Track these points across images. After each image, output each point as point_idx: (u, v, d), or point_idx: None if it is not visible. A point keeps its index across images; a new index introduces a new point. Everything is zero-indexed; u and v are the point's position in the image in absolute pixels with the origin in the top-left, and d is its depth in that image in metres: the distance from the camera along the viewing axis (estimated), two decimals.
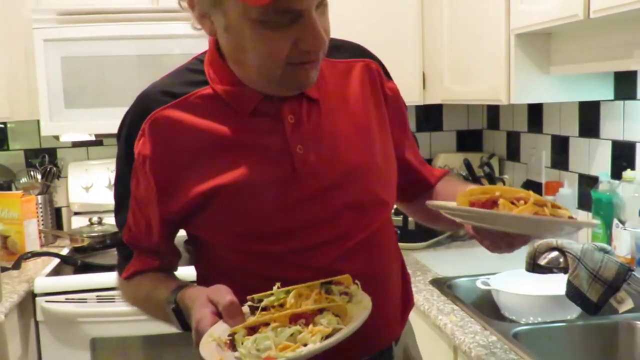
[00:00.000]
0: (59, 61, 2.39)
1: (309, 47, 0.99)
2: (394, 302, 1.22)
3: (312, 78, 1.05)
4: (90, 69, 2.42)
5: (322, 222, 1.10)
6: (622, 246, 1.89)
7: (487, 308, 1.75)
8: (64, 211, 2.89)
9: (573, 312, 1.63)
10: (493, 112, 2.97)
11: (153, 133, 1.07)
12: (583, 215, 2.19)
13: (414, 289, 1.86)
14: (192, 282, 1.12)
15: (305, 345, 0.89)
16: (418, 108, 2.97)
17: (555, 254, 1.43)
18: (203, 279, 1.17)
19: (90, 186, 2.75)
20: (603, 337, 1.54)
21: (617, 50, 1.61)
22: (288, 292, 0.97)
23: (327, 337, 0.89)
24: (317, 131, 1.11)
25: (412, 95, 2.55)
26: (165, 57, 2.38)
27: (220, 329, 0.94)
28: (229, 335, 0.93)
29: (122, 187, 1.13)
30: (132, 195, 1.11)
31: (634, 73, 1.93)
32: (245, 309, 0.99)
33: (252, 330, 0.93)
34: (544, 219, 0.99)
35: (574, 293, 1.41)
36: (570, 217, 1.03)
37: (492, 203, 1.02)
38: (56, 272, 2.31)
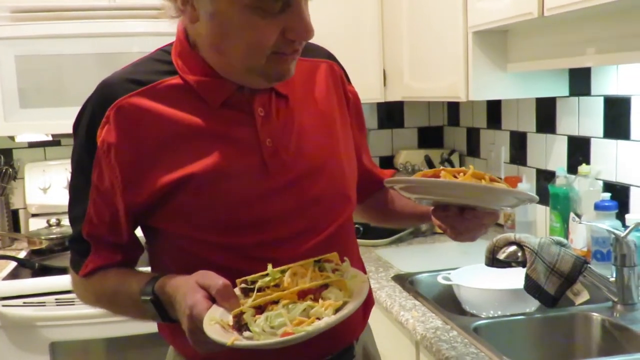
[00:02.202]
0: (13, 60, 2.32)
1: (296, 36, 1.00)
2: None
3: (292, 70, 1.06)
4: (46, 67, 2.36)
5: (290, 215, 1.10)
6: (578, 239, 1.93)
7: (448, 303, 1.78)
8: (21, 213, 2.82)
9: (532, 305, 1.65)
10: (453, 109, 3.01)
11: (119, 120, 1.04)
12: (541, 210, 2.23)
13: (376, 286, 1.88)
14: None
15: (318, 319, 0.89)
16: (379, 105, 2.99)
17: (513, 248, 1.46)
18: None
19: (48, 187, 2.69)
20: (560, 329, 1.57)
21: (571, 47, 1.65)
22: (283, 272, 0.97)
23: (337, 310, 0.91)
24: (285, 126, 1.11)
25: (373, 92, 2.56)
26: (123, 55, 2.33)
27: (218, 313, 0.93)
28: (234, 317, 0.91)
29: (80, 178, 1.09)
30: (93, 186, 1.07)
31: (588, 70, 1.98)
32: (237, 291, 0.97)
33: (259, 309, 0.92)
34: (479, 185, 1.07)
35: (532, 286, 1.43)
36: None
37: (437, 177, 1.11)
38: (13, 275, 2.25)
